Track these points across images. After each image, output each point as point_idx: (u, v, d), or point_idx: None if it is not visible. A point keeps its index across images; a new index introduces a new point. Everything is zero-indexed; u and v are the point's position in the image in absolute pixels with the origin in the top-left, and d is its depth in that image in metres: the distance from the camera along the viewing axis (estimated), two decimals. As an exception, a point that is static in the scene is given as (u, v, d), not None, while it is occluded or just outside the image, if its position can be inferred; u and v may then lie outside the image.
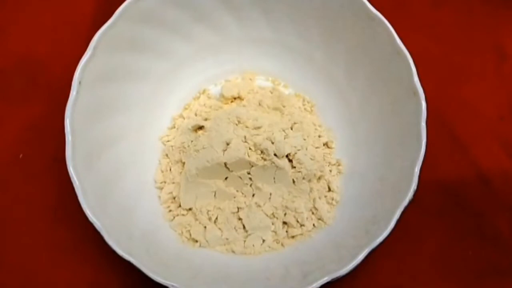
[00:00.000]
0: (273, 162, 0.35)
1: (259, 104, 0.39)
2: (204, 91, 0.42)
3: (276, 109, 0.39)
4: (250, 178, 0.35)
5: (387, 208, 0.30)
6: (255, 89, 0.41)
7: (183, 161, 0.37)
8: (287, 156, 0.36)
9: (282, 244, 0.35)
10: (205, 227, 0.35)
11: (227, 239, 0.35)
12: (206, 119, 0.39)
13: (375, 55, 0.36)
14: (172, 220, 0.36)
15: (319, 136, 0.39)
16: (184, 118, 0.40)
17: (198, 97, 0.41)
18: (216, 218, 0.35)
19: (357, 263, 0.28)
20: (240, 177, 0.35)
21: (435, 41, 0.45)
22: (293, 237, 0.35)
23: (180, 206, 0.36)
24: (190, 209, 0.36)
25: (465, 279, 0.36)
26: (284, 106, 0.39)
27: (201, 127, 0.38)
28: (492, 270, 0.36)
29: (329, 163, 0.38)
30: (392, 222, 0.29)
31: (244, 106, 0.39)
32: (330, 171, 0.38)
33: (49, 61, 0.44)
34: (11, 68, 0.44)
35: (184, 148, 0.38)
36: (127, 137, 0.37)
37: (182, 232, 0.35)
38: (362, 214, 0.33)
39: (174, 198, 0.37)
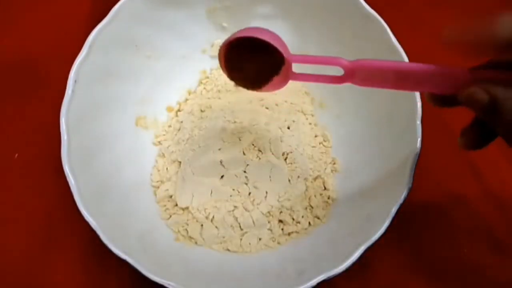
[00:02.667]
0: (269, 161, 0.35)
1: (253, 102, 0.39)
2: (200, 88, 0.42)
3: (270, 108, 0.39)
4: (246, 177, 0.35)
5: (382, 206, 0.31)
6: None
7: (179, 160, 0.37)
8: (283, 154, 0.36)
9: (278, 242, 0.35)
10: (201, 225, 0.35)
11: (223, 237, 0.35)
12: (203, 111, 0.39)
13: (370, 53, 0.36)
14: (168, 218, 0.36)
15: (315, 136, 0.39)
16: (178, 117, 0.40)
17: (194, 93, 0.42)
18: (213, 217, 0.35)
19: (352, 261, 0.29)
20: (236, 176, 0.35)
21: (431, 39, 0.45)
22: (289, 234, 0.35)
23: (176, 205, 0.36)
24: (186, 207, 0.36)
25: (460, 277, 0.36)
26: (277, 105, 0.39)
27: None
28: (487, 268, 0.36)
29: (325, 162, 0.38)
30: (388, 220, 0.29)
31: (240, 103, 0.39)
32: (326, 169, 0.38)
33: (46, 60, 0.43)
34: (6, 67, 0.44)
35: (180, 145, 0.38)
36: (123, 136, 0.37)
37: (178, 231, 0.35)
38: (358, 212, 0.33)
39: (171, 196, 0.37)
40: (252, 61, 0.28)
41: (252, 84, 0.28)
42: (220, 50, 0.28)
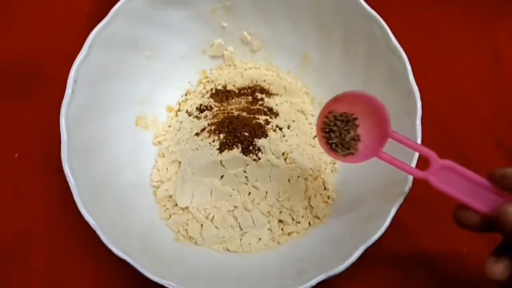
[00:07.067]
0: (269, 161, 0.35)
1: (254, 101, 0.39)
2: (200, 88, 0.42)
3: (270, 108, 0.39)
4: (246, 177, 0.35)
5: (382, 206, 0.31)
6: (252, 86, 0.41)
7: (179, 160, 0.37)
8: (282, 154, 0.36)
9: (278, 242, 0.35)
10: (201, 225, 0.35)
11: (223, 237, 0.35)
12: (202, 111, 0.39)
13: (370, 54, 0.36)
14: (168, 218, 0.36)
15: (315, 136, 0.39)
16: (178, 117, 0.40)
17: (194, 93, 0.42)
18: (213, 217, 0.35)
19: (352, 261, 0.29)
20: (236, 176, 0.35)
21: (431, 40, 0.45)
22: (289, 234, 0.35)
23: (176, 205, 0.36)
24: (186, 207, 0.36)
25: (460, 276, 0.36)
26: (277, 105, 0.39)
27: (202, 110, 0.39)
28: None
29: (325, 162, 0.38)
30: (388, 220, 0.29)
31: (241, 103, 0.39)
32: (326, 169, 0.38)
33: (46, 60, 0.43)
34: (6, 67, 0.44)
35: (180, 145, 0.38)
36: (123, 136, 0.37)
37: (178, 231, 0.35)
38: (358, 212, 0.33)
39: (171, 196, 0.37)
40: (349, 129, 0.29)
41: (340, 151, 0.29)
42: (321, 110, 0.29)
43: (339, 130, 0.29)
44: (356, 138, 0.29)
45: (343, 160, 0.29)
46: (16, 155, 0.40)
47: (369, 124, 0.28)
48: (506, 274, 0.25)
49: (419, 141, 0.31)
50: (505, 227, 0.24)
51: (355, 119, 0.28)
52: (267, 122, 0.37)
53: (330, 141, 0.29)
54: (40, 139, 0.40)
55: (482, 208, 0.26)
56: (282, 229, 0.35)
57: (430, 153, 0.27)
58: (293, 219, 0.35)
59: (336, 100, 0.28)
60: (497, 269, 0.25)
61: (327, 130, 0.29)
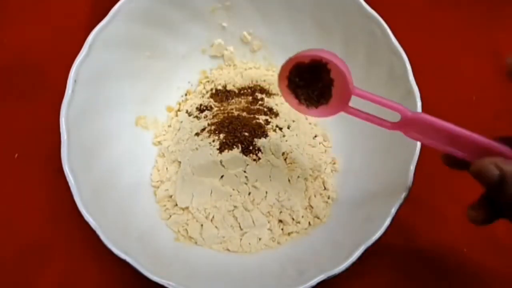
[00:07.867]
0: (269, 161, 0.35)
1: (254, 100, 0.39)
2: (200, 88, 0.42)
3: (270, 108, 0.39)
4: (246, 177, 0.35)
5: (382, 206, 0.31)
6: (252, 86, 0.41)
7: (179, 160, 0.37)
8: (282, 154, 0.36)
9: (278, 242, 0.35)
10: (201, 225, 0.35)
11: (223, 237, 0.35)
12: (202, 111, 0.39)
13: (370, 54, 0.36)
14: (168, 218, 0.36)
15: (315, 135, 0.39)
16: (178, 117, 0.40)
17: (194, 93, 0.42)
18: (213, 217, 0.35)
19: (352, 261, 0.29)
20: (236, 176, 0.35)
21: (431, 40, 0.45)
22: (289, 234, 0.35)
23: (176, 205, 0.36)
24: (186, 207, 0.36)
25: (460, 277, 0.36)
26: (277, 105, 0.39)
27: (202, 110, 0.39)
28: (487, 268, 0.36)
29: (325, 162, 0.38)
30: (388, 220, 0.29)
31: (240, 103, 0.39)
32: (326, 169, 0.38)
33: (46, 60, 0.43)
34: (6, 67, 0.44)
35: (180, 145, 0.38)
36: (123, 136, 0.37)
37: (178, 231, 0.36)
38: (358, 212, 0.33)
39: (171, 196, 0.37)
40: (312, 84, 0.27)
41: (305, 105, 0.28)
42: (282, 68, 0.27)
43: (307, 83, 0.27)
44: (330, 83, 0.27)
45: (314, 114, 0.28)
46: (16, 155, 0.40)
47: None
48: (485, 218, 0.27)
49: (419, 141, 0.31)
50: (485, 180, 0.25)
51: (326, 63, 0.27)
52: (267, 122, 0.37)
53: (298, 98, 0.28)
54: (40, 139, 0.40)
55: (464, 155, 0.26)
56: (282, 229, 0.35)
57: (398, 107, 0.27)
58: (293, 219, 0.35)
59: (295, 59, 0.27)
60: (479, 215, 0.27)
61: (292, 87, 0.28)
